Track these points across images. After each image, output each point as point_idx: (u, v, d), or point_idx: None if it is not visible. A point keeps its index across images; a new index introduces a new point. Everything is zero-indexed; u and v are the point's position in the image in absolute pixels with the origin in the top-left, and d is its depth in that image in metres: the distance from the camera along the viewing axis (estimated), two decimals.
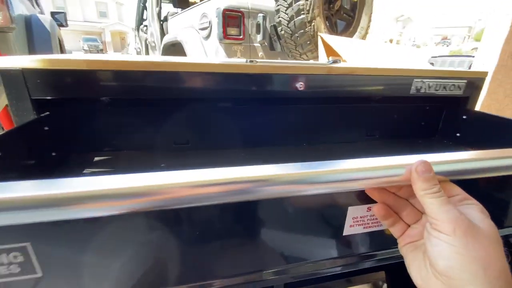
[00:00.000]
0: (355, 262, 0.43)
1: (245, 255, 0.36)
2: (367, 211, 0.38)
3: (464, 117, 0.73)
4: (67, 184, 0.23)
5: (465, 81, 0.72)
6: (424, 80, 0.67)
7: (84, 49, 20.94)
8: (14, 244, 0.25)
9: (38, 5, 2.35)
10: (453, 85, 0.71)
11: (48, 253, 0.27)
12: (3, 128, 1.71)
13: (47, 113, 0.52)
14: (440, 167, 0.31)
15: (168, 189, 0.24)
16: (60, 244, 0.27)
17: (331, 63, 0.66)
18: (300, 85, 0.59)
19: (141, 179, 0.24)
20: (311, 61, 0.65)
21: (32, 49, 1.46)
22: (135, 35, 4.11)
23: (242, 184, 0.26)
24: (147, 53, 3.65)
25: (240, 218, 0.34)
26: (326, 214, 0.37)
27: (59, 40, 1.68)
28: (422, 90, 0.68)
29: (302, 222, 0.37)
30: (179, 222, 0.31)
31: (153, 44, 3.27)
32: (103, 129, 0.59)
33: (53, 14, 2.38)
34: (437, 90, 0.70)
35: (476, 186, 0.36)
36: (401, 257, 0.34)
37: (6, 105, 1.46)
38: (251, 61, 0.59)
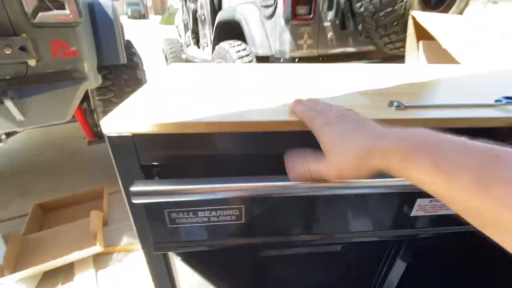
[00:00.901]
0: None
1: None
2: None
3: None
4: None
5: None
6: None
7: (127, 15, 21.32)
8: (237, 205, 0.46)
9: None
10: None
11: (249, 211, 0.47)
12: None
13: (157, 177, 0.45)
14: None
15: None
16: (254, 208, 0.47)
17: None
18: None
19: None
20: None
21: (97, 40, 1.42)
22: (182, 6, 3.93)
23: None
24: (195, 26, 3.49)
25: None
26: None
27: (121, 27, 1.62)
28: None
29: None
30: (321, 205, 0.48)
31: (202, 18, 3.10)
32: None
33: None
34: None
35: None
36: None
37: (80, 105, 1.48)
38: (397, 106, 0.44)
